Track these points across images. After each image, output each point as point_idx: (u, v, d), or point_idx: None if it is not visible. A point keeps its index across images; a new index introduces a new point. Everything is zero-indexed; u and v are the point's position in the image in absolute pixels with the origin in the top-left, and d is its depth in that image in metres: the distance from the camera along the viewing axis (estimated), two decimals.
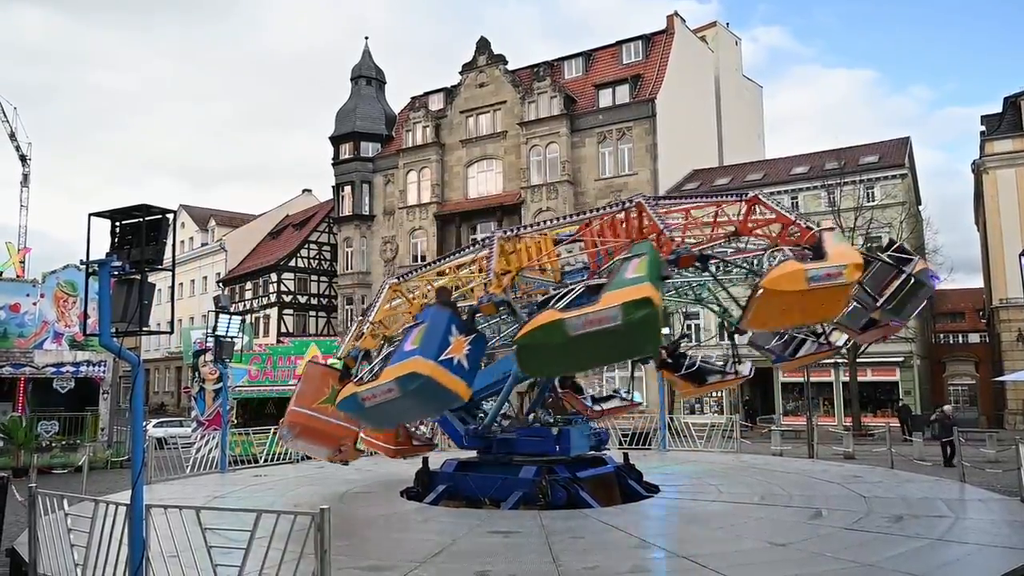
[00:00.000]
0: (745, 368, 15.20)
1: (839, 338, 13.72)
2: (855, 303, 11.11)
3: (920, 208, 41.98)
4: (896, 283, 10.54)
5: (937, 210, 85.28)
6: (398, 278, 12.98)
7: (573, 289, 9.39)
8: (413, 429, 15.09)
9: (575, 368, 11.51)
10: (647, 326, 8.28)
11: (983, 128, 39.82)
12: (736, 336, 13.70)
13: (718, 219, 11.26)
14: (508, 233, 11.51)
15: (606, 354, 9.57)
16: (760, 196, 11.27)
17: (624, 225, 11.16)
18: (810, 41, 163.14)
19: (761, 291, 9.03)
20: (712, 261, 10.76)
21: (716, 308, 15.22)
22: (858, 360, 34.35)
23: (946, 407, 26.15)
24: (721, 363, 15.77)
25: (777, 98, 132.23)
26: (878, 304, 10.74)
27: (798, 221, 10.66)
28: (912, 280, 10.47)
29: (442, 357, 8.96)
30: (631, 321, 8.12)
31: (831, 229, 9.95)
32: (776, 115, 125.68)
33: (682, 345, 16.51)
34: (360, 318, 12.65)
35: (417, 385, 8.84)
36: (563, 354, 8.83)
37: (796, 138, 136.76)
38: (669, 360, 14.81)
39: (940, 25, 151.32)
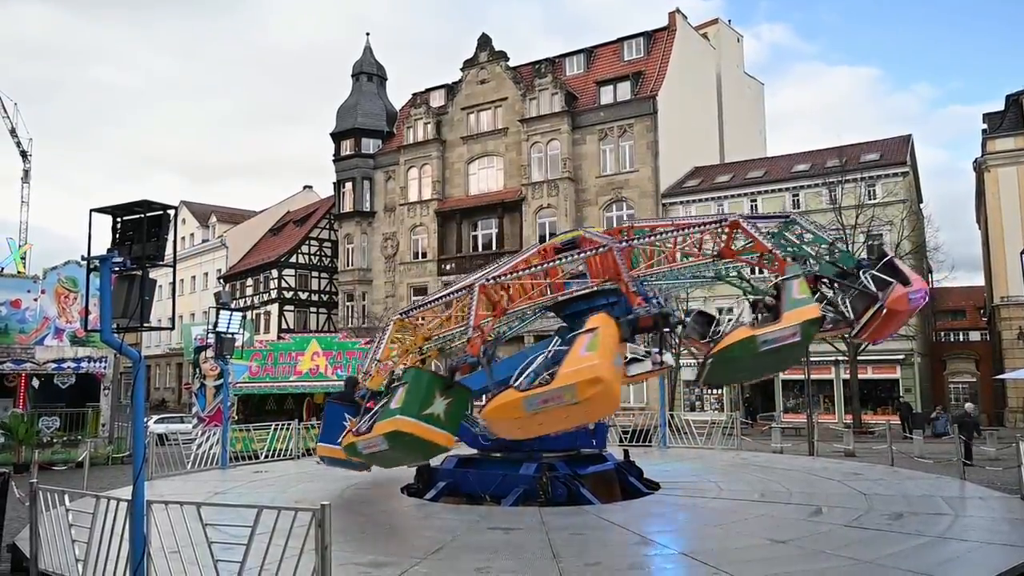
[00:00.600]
0: (669, 359, 15.22)
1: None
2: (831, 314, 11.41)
3: (921, 206, 41.95)
4: (870, 312, 10.89)
5: (940, 208, 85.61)
6: (402, 314, 13.19)
7: (532, 361, 9.88)
8: None
9: (751, 377, 13.21)
10: (812, 338, 10.16)
11: (985, 126, 39.78)
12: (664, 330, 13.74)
13: (703, 244, 11.81)
14: (489, 281, 11.46)
15: (779, 365, 11.49)
16: (741, 220, 11.39)
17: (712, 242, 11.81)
18: (813, 38, 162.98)
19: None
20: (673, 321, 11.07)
21: (738, 284, 14.81)
22: (859, 357, 34.36)
23: (968, 405, 26.62)
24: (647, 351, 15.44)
25: (779, 95, 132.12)
26: (854, 332, 11.40)
27: (775, 251, 11.04)
28: (885, 311, 10.76)
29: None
30: (808, 334, 9.75)
31: (796, 277, 10.12)
32: (778, 112, 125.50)
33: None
34: (371, 358, 12.74)
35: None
36: (748, 367, 10.45)
37: (797, 136, 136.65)
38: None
39: (944, 23, 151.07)
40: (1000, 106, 39.94)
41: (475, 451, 13.08)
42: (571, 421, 9.87)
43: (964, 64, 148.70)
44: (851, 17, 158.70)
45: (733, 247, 11.58)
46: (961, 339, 55.70)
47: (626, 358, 11.82)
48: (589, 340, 9.27)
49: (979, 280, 48.21)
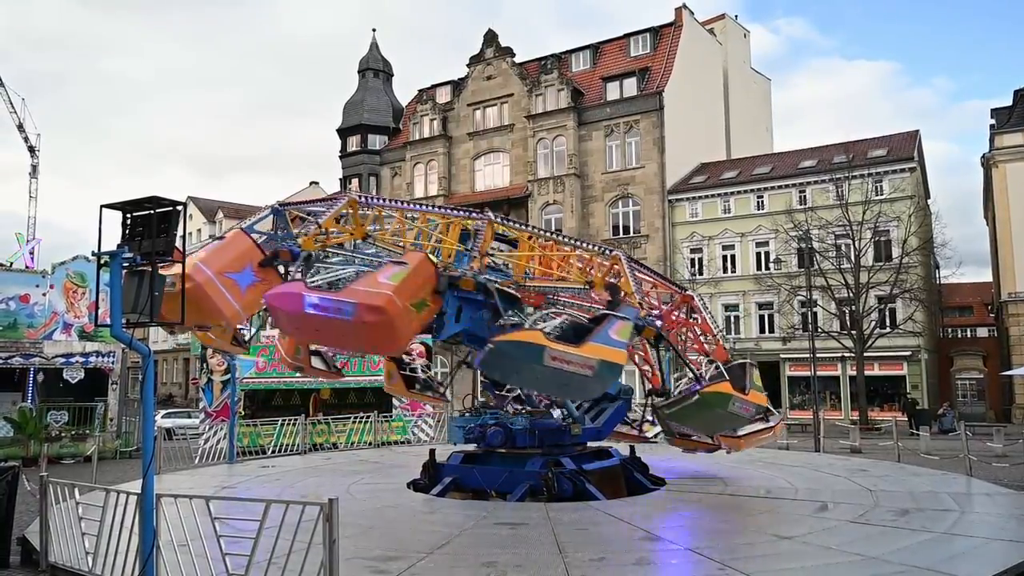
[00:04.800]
0: (651, 432, 15.35)
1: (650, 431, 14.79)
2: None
3: (929, 202, 41.80)
4: (759, 427, 12.50)
5: (955, 203, 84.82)
6: (362, 198, 12.35)
7: (556, 315, 10.27)
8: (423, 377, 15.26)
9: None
10: (609, 381, 9.98)
11: (993, 121, 39.59)
12: (652, 398, 14.19)
13: (588, 268, 11.95)
14: (361, 198, 11.69)
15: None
16: (622, 258, 11.75)
17: (592, 269, 11.84)
18: (832, 32, 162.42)
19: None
20: (664, 344, 11.48)
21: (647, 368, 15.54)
22: (865, 354, 34.28)
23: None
24: (633, 419, 15.74)
25: (796, 90, 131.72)
26: (737, 435, 12.66)
27: (716, 336, 12.13)
28: (695, 398, 11.27)
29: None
30: (602, 376, 9.33)
31: (625, 319, 10.13)
32: (793, 108, 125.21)
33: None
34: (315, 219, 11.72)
35: (614, 376, 9.64)
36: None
37: (806, 131, 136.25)
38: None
39: (964, 15, 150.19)
40: (1009, 101, 39.74)
41: (480, 447, 13.11)
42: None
43: (983, 57, 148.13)
44: (871, 10, 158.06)
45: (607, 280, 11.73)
46: (968, 335, 55.56)
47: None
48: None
49: (987, 276, 48.01)
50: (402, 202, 12.44)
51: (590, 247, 12.60)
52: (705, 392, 10.87)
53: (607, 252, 12.10)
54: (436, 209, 13.33)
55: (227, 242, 10.04)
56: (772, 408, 13.27)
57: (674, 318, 12.51)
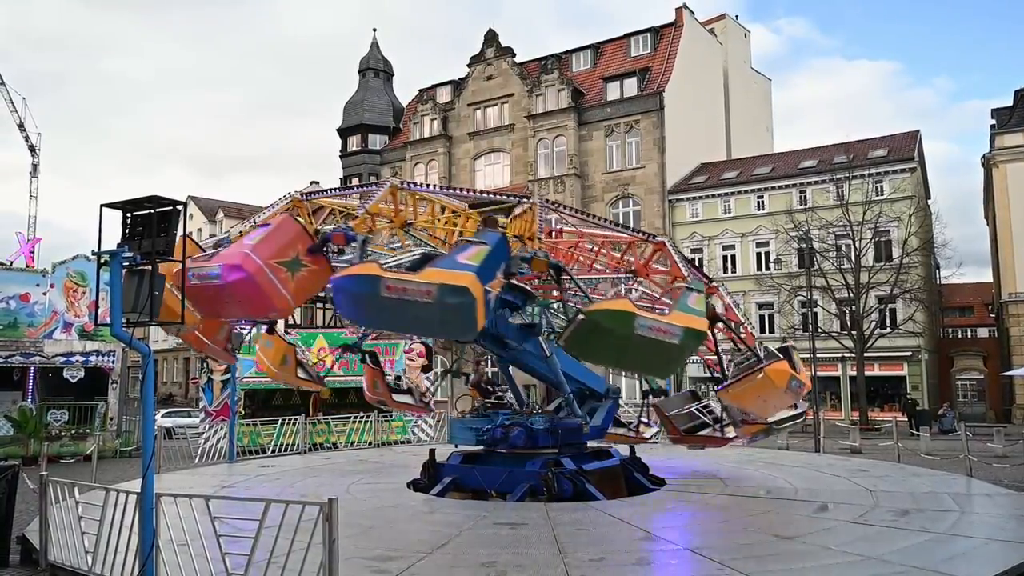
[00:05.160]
0: (648, 432, 15.48)
1: (732, 431, 13.98)
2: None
3: (929, 202, 41.82)
4: (790, 414, 11.95)
5: (955, 203, 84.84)
6: (303, 195, 12.39)
7: (411, 252, 9.68)
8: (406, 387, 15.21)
9: (608, 362, 11.28)
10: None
11: (993, 122, 39.58)
12: (650, 398, 14.17)
13: (625, 255, 11.77)
14: (402, 184, 11.59)
15: (645, 362, 9.96)
16: (667, 243, 11.63)
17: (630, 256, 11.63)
18: (833, 32, 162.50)
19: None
20: (566, 278, 10.68)
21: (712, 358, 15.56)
22: (865, 354, 34.28)
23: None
24: (629, 420, 15.78)
25: (795, 91, 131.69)
26: (767, 423, 12.03)
27: (688, 278, 11.31)
28: (761, 376, 11.00)
29: (487, 287, 8.66)
30: (687, 344, 8.89)
31: (698, 291, 10.05)
32: (792, 108, 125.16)
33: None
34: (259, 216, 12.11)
35: (459, 302, 8.37)
36: (618, 346, 9.19)
37: (807, 131, 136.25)
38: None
39: (967, 16, 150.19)
40: (1009, 101, 39.74)
41: (480, 447, 13.11)
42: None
43: (984, 57, 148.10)
44: (872, 10, 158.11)
45: (651, 266, 11.70)
46: (969, 336, 55.55)
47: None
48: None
49: (988, 276, 48.01)
50: (442, 188, 12.40)
51: (633, 232, 12.62)
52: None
53: (652, 238, 12.04)
54: (469, 193, 13.21)
55: (276, 228, 9.57)
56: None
57: (648, 270, 12.40)
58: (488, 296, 8.54)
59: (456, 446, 13.41)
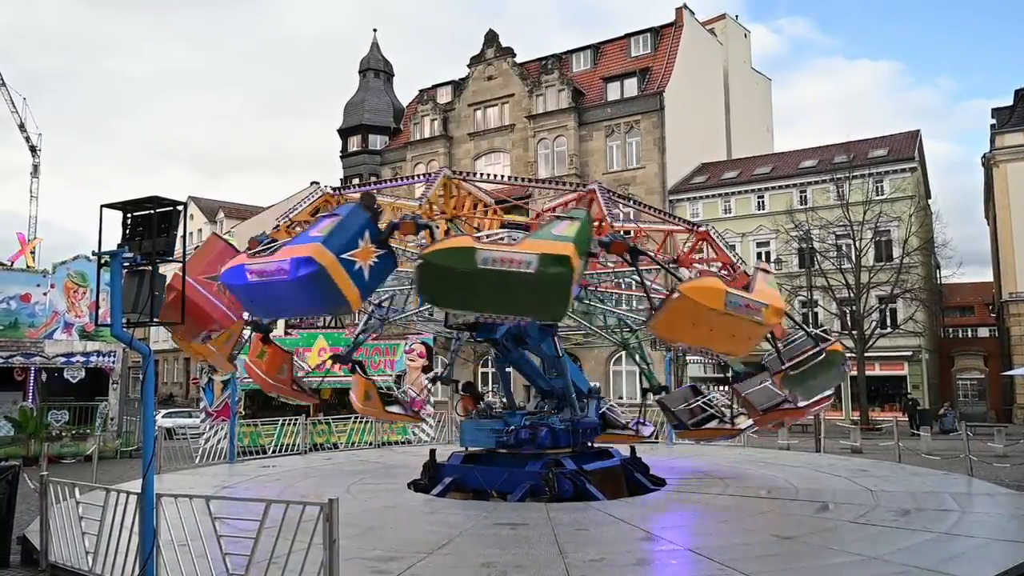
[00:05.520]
0: (646, 431, 15.51)
1: (744, 421, 13.82)
2: (764, 382, 11.71)
3: (929, 202, 41.80)
4: (808, 354, 11.06)
5: (956, 202, 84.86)
6: (334, 191, 12.33)
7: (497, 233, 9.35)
8: (409, 397, 15.19)
9: (469, 306, 9.69)
10: (559, 284, 8.03)
11: (994, 121, 39.58)
12: (649, 396, 14.04)
13: (664, 245, 11.69)
14: (454, 175, 11.57)
15: (508, 301, 8.66)
16: (710, 233, 11.47)
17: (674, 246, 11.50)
18: (835, 32, 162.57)
19: (677, 295, 8.80)
20: (642, 259, 10.34)
21: (640, 361, 15.57)
22: (866, 354, 34.27)
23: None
24: (627, 419, 15.76)
25: (799, 90, 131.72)
26: (783, 366, 11.01)
27: (738, 265, 11.07)
28: (823, 356, 10.80)
29: (345, 256, 8.56)
30: (544, 273, 7.85)
31: (767, 271, 9.94)
32: (793, 108, 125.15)
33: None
34: (286, 214, 12.06)
35: (309, 273, 8.23)
36: (464, 284, 8.28)
37: (807, 131, 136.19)
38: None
39: (969, 16, 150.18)
40: (1010, 101, 39.73)
41: (481, 447, 13.11)
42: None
43: (985, 57, 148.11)
44: (874, 10, 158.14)
45: (692, 256, 11.60)
46: (969, 335, 55.53)
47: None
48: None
49: (988, 276, 48.01)
50: (493, 177, 12.35)
51: (678, 222, 12.56)
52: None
53: (695, 228, 11.90)
54: (528, 182, 13.20)
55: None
56: None
57: (692, 259, 12.10)
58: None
59: (466, 448, 13.24)
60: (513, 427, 12.39)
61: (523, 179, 14.11)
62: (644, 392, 15.43)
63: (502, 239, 9.23)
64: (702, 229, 11.72)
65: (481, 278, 8.02)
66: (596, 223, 10.40)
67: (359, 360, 14.69)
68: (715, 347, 10.02)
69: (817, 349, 11.23)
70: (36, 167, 60.90)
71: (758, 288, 9.12)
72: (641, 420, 15.82)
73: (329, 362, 17.79)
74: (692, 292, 8.57)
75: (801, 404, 12.59)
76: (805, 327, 11.63)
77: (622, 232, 10.52)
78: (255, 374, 13.33)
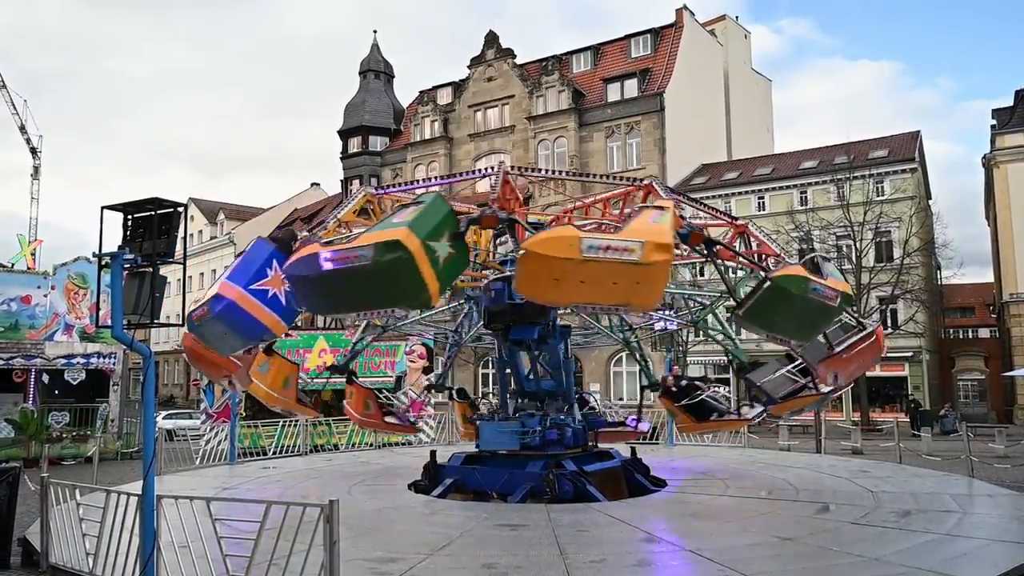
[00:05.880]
0: (643, 427, 15.37)
1: (750, 411, 13.85)
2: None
3: (930, 202, 41.79)
4: (857, 338, 11.19)
5: (957, 203, 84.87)
6: (377, 190, 12.19)
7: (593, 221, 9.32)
8: (409, 399, 15.16)
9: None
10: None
11: (994, 122, 39.57)
12: (648, 393, 13.87)
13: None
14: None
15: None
16: (750, 226, 11.41)
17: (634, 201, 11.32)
18: (836, 32, 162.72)
19: (523, 251, 8.30)
20: (718, 249, 10.17)
21: (724, 341, 15.38)
22: None
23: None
24: (727, 402, 15.66)
25: (800, 91, 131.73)
26: (834, 351, 11.21)
27: (782, 255, 10.96)
28: (873, 340, 10.88)
29: (253, 286, 8.74)
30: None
31: (660, 208, 8.86)
32: (794, 108, 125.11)
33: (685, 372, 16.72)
34: (332, 215, 11.79)
35: (221, 308, 8.61)
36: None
37: (807, 132, 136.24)
38: (673, 388, 14.59)
39: (970, 16, 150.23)
40: (1010, 101, 39.73)
41: (501, 449, 13.04)
42: (619, 292, 8.17)
43: (986, 57, 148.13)
44: (875, 10, 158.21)
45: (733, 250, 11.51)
46: (970, 336, 55.48)
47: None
48: (659, 214, 8.33)
49: (989, 276, 47.99)
50: (545, 171, 12.36)
51: (622, 182, 12.32)
52: (777, 276, 9.26)
53: (735, 221, 11.59)
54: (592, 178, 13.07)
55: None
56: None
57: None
58: None
59: (479, 448, 13.17)
60: (538, 428, 12.24)
61: (581, 174, 13.83)
62: (642, 389, 15.40)
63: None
64: (741, 222, 11.57)
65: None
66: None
67: (352, 371, 14.67)
68: (610, 301, 9.00)
69: (868, 332, 11.19)
70: (37, 169, 60.91)
71: (631, 227, 8.22)
72: (638, 417, 15.86)
73: (329, 361, 17.84)
74: (537, 246, 7.95)
75: (824, 389, 12.41)
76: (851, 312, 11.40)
77: (698, 225, 10.12)
78: (258, 389, 13.00)
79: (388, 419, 14.95)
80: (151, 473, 6.85)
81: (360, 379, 22.66)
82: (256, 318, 8.71)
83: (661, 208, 8.50)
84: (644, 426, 16.30)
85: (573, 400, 12.97)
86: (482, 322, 13.25)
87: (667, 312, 15.45)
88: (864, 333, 11.32)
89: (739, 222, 11.71)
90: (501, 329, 12.61)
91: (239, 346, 10.14)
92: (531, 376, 13.21)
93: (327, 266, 7.89)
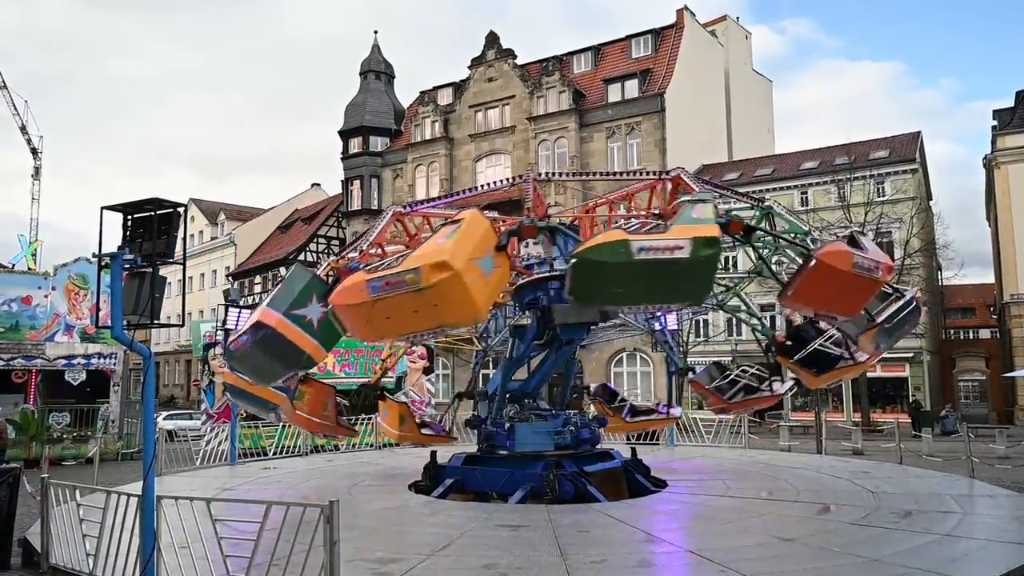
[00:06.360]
0: (782, 387, 15.10)
1: (781, 387, 13.79)
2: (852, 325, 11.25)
3: (931, 203, 41.78)
4: (897, 305, 10.77)
5: (959, 203, 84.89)
6: (404, 207, 12.26)
7: (638, 221, 9.14)
8: (427, 419, 15.12)
9: (622, 299, 9.81)
10: (709, 265, 8.27)
11: (995, 123, 39.56)
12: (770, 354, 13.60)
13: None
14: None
15: (660, 289, 8.77)
16: (775, 207, 11.47)
17: (661, 196, 11.29)
18: (839, 33, 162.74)
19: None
20: (757, 236, 10.48)
21: (751, 322, 15.34)
22: None
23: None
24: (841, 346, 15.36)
25: (802, 91, 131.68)
26: (877, 322, 10.72)
27: (806, 238, 10.91)
28: (914, 305, 10.61)
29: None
30: (697, 256, 8.05)
31: (704, 202, 9.18)
32: (795, 109, 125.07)
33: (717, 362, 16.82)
34: (365, 238, 11.90)
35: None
36: (621, 277, 8.37)
37: (808, 133, 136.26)
38: (787, 343, 13.56)
39: (972, 17, 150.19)
40: (1011, 102, 39.72)
41: (481, 449, 13.10)
42: (421, 319, 8.40)
43: (988, 58, 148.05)
44: (878, 11, 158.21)
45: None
46: (971, 337, 55.47)
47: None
48: (451, 230, 8.40)
49: (989, 277, 47.98)
50: (579, 175, 12.39)
51: (649, 175, 12.27)
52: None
53: (666, 174, 11.55)
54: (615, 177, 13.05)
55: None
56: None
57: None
58: None
59: (491, 448, 13.12)
60: (571, 427, 12.41)
61: (605, 173, 13.92)
62: (670, 375, 15.60)
63: (641, 228, 8.88)
64: (674, 174, 11.57)
65: (634, 269, 8.11)
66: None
67: (384, 387, 14.71)
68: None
69: (908, 298, 10.92)
70: (38, 169, 60.90)
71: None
72: (668, 403, 16.65)
73: (329, 361, 17.82)
74: (337, 299, 8.37)
75: (860, 359, 12.36)
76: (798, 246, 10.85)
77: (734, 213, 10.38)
78: (299, 417, 12.81)
79: (424, 431, 14.89)
80: (151, 474, 6.85)
81: (361, 379, 22.83)
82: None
83: (456, 222, 8.53)
84: (676, 411, 16.66)
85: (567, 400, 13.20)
86: (531, 324, 13.03)
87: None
88: (903, 301, 10.93)
89: (764, 204, 11.70)
90: (555, 329, 12.44)
91: (280, 375, 10.17)
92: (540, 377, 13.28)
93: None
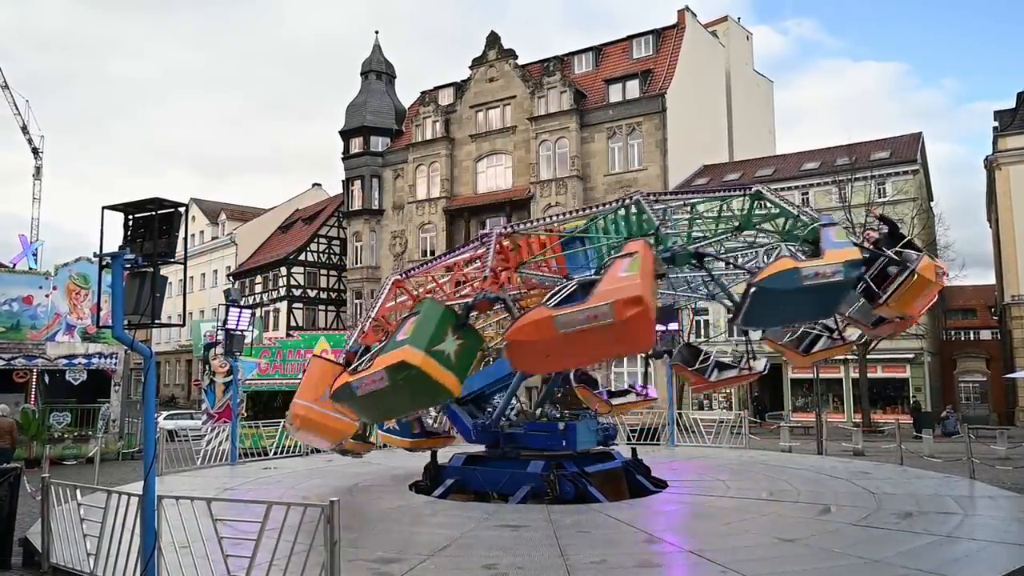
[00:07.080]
0: (759, 364, 15.37)
1: (852, 333, 13.75)
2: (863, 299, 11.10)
3: (932, 204, 41.76)
4: (900, 279, 10.33)
5: (960, 204, 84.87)
6: (402, 274, 12.56)
7: (566, 287, 9.04)
8: (430, 422, 15.08)
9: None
10: (413, 384, 8.63)
11: (996, 123, 39.54)
12: (749, 332, 13.84)
13: (722, 214, 11.48)
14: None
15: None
16: (764, 190, 11.32)
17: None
18: (841, 33, 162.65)
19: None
20: (707, 260, 10.93)
21: (728, 304, 15.34)
22: (868, 356, 34.22)
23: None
24: (734, 359, 15.88)
25: (805, 91, 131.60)
26: (881, 300, 10.45)
27: (801, 216, 10.82)
28: (916, 277, 10.26)
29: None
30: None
31: (833, 224, 9.99)
32: (797, 109, 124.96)
33: (689, 340, 17.06)
34: (367, 314, 12.51)
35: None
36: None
37: (809, 133, 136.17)
38: (673, 354, 15.34)
39: (974, 17, 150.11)
40: (1012, 103, 39.70)
41: (483, 448, 13.12)
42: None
43: (989, 58, 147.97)
44: (880, 11, 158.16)
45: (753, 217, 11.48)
46: (971, 338, 55.42)
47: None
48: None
49: (990, 278, 47.95)
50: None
51: (606, 206, 11.76)
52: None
53: (625, 201, 11.28)
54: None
55: (643, 255, 8.69)
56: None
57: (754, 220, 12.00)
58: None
59: (499, 445, 13.17)
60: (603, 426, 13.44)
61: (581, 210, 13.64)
62: (646, 359, 15.81)
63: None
64: (754, 189, 11.39)
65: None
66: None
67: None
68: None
69: (911, 272, 10.29)
70: (39, 169, 60.92)
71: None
72: (644, 384, 17.07)
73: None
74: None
75: (756, 368, 13.94)
76: (883, 250, 10.62)
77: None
78: (393, 440, 14.30)
79: (432, 437, 15.01)
80: (152, 473, 6.86)
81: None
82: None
83: (631, 254, 8.62)
84: (652, 391, 16.93)
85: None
86: None
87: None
88: (908, 272, 10.36)
89: (754, 189, 11.47)
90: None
91: (410, 412, 11.01)
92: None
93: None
